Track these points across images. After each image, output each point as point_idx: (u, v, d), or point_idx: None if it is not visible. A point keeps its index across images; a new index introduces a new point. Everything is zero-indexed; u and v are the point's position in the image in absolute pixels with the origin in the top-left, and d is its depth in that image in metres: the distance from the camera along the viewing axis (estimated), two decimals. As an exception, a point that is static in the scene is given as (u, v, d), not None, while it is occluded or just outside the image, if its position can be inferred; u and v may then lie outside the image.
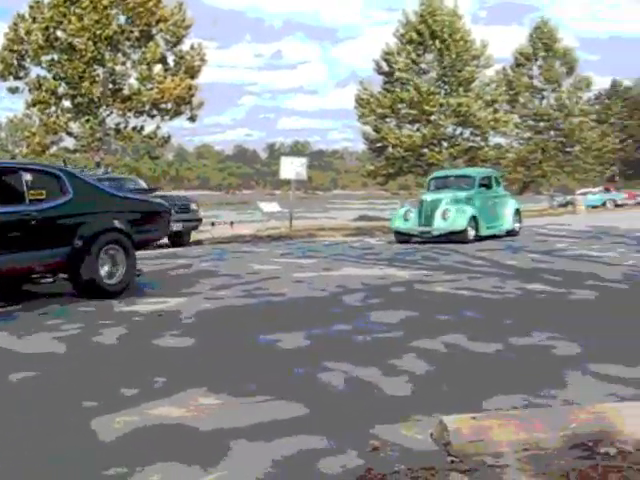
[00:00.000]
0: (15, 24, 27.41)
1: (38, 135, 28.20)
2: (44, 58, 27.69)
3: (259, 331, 7.66)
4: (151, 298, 10.20)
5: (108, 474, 3.82)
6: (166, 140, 30.43)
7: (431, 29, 39.30)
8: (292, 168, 26.20)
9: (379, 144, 40.59)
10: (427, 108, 38.80)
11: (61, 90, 28.16)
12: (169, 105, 28.75)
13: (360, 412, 4.84)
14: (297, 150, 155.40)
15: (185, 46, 29.38)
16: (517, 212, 23.14)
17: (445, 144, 40.53)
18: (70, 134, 29.23)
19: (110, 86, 28.65)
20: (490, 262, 14.93)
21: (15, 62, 27.71)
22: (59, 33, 27.14)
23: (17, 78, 28.09)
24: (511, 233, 22.15)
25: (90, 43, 26.75)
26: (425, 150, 39.87)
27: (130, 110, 28.68)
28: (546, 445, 4.16)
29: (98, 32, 26.73)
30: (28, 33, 27.25)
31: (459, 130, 41.10)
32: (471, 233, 19.65)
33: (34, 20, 27.23)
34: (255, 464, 3.91)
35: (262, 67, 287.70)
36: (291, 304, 9.82)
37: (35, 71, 28.47)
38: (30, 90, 28.31)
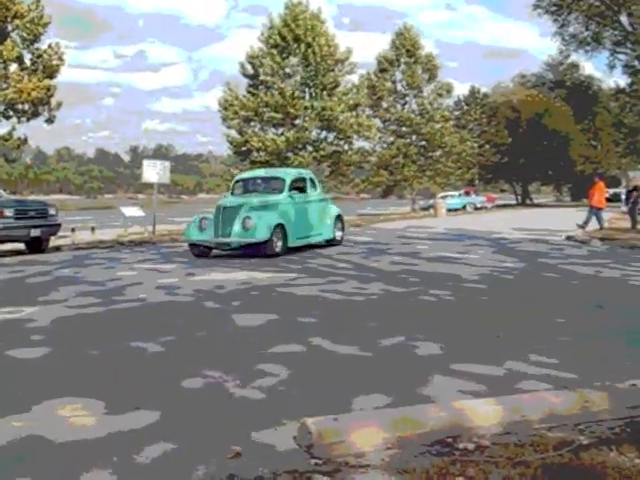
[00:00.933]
0: None
1: None
2: None
3: (117, 338, 7.51)
4: (4, 307, 9.71)
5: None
6: (23, 142, 29.31)
7: (294, 33, 39.52)
8: (155, 172, 25.82)
9: (244, 148, 40.47)
10: (292, 111, 38.99)
11: None
12: (26, 106, 27.76)
13: (221, 418, 4.77)
14: (161, 153, 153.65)
15: (43, 45, 28.43)
16: (339, 219, 20.77)
17: (310, 148, 40.77)
18: None
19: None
20: (353, 265, 15.08)
21: None
22: None
23: None
24: (332, 242, 20.06)
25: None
26: (289, 154, 40.00)
27: (-17, 110, 27.54)
28: (407, 443, 4.18)
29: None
30: None
31: (323, 134, 41.46)
32: (278, 244, 17.09)
33: None
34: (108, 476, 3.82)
35: (124, 68, 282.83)
36: (152, 310, 9.63)
37: None
38: None
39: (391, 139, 53.16)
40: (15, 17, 27.06)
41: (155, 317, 9.04)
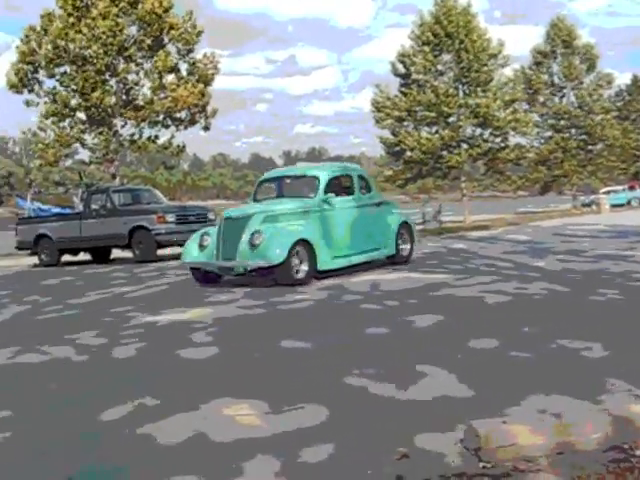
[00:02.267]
0: (27, 36, 27.44)
1: (52, 148, 28.11)
2: (56, 70, 27.65)
3: (279, 337, 7.55)
4: (172, 308, 9.93)
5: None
6: (181, 150, 30.29)
7: (446, 30, 38.99)
8: (309, 174, 25.89)
9: (397, 148, 40.25)
10: (445, 110, 38.45)
11: (74, 102, 28.07)
12: (183, 114, 28.67)
13: (385, 418, 4.66)
14: (314, 156, 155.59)
15: (198, 55, 29.28)
16: (406, 228, 15.60)
17: (464, 146, 40.08)
18: (84, 146, 29.18)
19: (123, 96, 28.57)
20: (514, 264, 14.56)
21: (29, 75, 27.69)
22: (70, 45, 27.04)
23: (31, 91, 28.08)
24: (394, 259, 15.08)
25: (100, 52, 26.68)
26: (444, 153, 39.47)
27: (144, 120, 28.58)
28: (580, 448, 3.97)
29: (109, 41, 26.66)
30: (39, 45, 27.25)
31: (478, 131, 40.63)
32: (302, 268, 12.64)
33: (45, 32, 27.21)
34: (277, 475, 3.80)
35: (275, 73, 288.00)
36: (317, 309, 9.72)
37: (49, 83, 28.46)
38: (45, 103, 28.29)
39: (549, 134, 51.50)
40: (170, 29, 27.96)
41: (319, 317, 9.06)
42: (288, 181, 14.98)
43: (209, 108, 29.23)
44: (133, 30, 28.09)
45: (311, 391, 5.38)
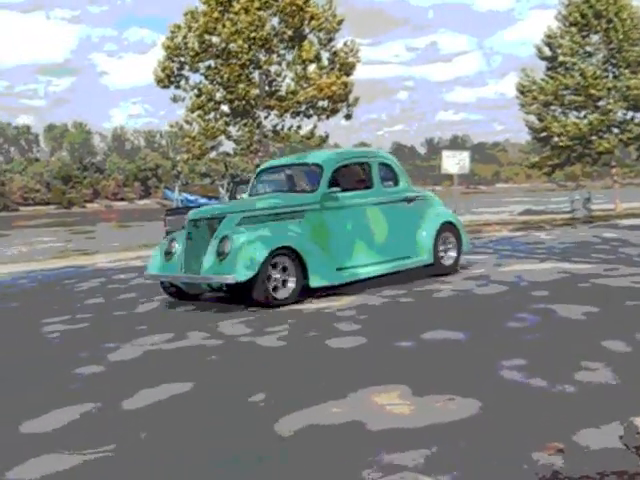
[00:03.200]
0: (172, 32, 28.19)
1: (198, 141, 28.80)
2: (201, 65, 28.30)
3: (425, 327, 7.43)
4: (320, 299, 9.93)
5: None
6: (324, 139, 30.40)
7: (595, 9, 37.55)
8: (454, 162, 25.53)
9: (543, 134, 39.10)
10: (594, 93, 37.04)
11: (219, 95, 28.67)
12: (325, 103, 28.77)
13: (543, 413, 4.52)
14: (457, 144, 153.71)
15: (338, 44, 29.30)
16: (449, 230, 12.41)
17: (615, 130, 38.51)
18: (229, 138, 29.73)
19: (266, 88, 28.94)
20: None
21: (175, 70, 28.44)
22: (214, 39, 27.69)
23: (177, 86, 28.81)
24: (436, 269, 12.00)
25: (245, 46, 27.13)
26: (593, 138, 38.06)
27: (287, 111, 28.86)
28: None
29: (252, 35, 27.06)
30: (185, 41, 27.96)
31: (630, 115, 38.95)
32: (288, 285, 9.79)
33: (190, 28, 27.89)
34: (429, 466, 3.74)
35: (417, 61, 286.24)
36: (460, 300, 9.50)
37: (194, 78, 29.12)
38: (191, 97, 28.97)
39: None
40: (311, 19, 28.12)
41: (464, 307, 8.85)
42: (289, 172, 12.13)
43: (351, 97, 29.25)
44: (274, 22, 28.40)
45: (461, 382, 5.26)
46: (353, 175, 11.57)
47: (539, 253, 14.54)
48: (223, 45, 27.48)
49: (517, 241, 18.42)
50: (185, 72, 28.70)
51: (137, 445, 4.35)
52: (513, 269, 12.23)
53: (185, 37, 28.03)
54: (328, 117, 29.30)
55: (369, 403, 4.87)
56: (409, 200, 11.95)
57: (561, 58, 38.19)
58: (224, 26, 27.04)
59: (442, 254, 12.17)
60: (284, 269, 9.77)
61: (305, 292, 9.89)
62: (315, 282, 9.96)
